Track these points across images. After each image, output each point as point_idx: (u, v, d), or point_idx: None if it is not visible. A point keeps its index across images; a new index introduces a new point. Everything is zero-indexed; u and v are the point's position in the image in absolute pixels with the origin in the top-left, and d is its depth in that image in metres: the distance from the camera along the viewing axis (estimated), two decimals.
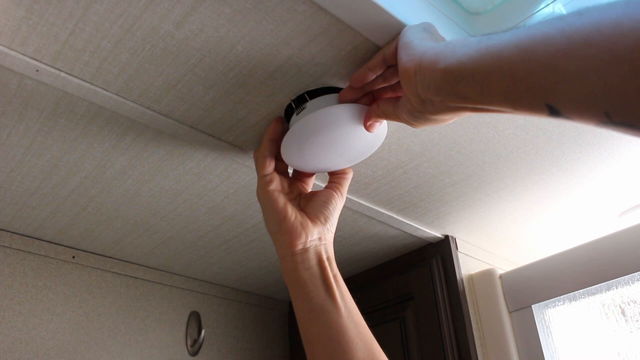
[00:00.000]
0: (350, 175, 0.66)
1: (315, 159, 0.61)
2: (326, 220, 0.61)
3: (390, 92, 0.57)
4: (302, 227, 0.59)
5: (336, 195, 0.64)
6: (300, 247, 0.58)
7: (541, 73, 0.35)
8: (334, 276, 0.58)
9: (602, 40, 0.31)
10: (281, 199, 0.61)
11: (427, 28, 0.49)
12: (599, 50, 0.31)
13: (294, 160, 0.62)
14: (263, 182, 0.62)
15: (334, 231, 0.63)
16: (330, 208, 0.62)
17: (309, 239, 0.59)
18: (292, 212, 0.60)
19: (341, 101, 0.57)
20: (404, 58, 0.48)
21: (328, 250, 0.60)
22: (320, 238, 0.60)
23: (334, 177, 0.66)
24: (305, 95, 0.59)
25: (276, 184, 0.62)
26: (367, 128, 0.57)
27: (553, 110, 0.36)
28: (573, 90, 0.33)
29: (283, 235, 0.59)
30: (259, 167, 0.62)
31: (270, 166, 0.62)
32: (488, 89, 0.39)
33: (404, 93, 0.49)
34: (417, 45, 0.47)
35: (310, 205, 0.63)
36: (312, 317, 0.56)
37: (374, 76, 0.54)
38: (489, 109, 0.42)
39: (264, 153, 0.62)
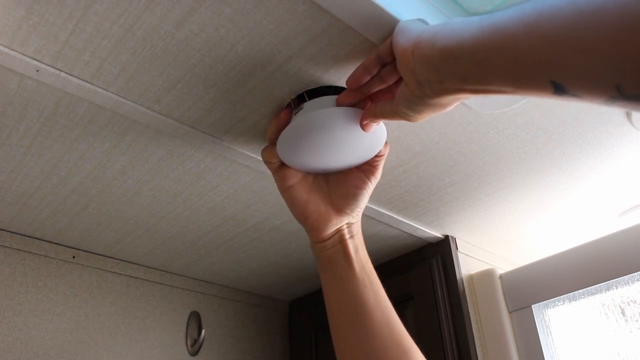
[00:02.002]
0: (385, 155, 0.63)
1: (311, 159, 0.61)
2: (352, 211, 0.62)
3: (388, 95, 0.56)
4: (325, 224, 0.61)
5: (368, 182, 0.62)
6: (325, 238, 0.61)
7: (547, 47, 0.34)
8: (356, 249, 0.61)
9: (614, 9, 0.30)
10: (300, 195, 0.62)
11: (422, 20, 0.50)
12: (611, 20, 0.30)
13: (290, 159, 0.61)
14: (278, 178, 0.62)
15: (361, 212, 0.64)
16: (359, 199, 0.62)
17: (334, 229, 0.61)
18: (313, 209, 0.61)
19: (338, 105, 0.57)
20: (401, 39, 0.47)
21: (352, 229, 0.63)
22: (346, 224, 0.62)
23: (371, 159, 0.62)
24: (305, 94, 0.59)
25: (293, 177, 0.62)
26: (363, 127, 0.56)
27: (558, 88, 0.35)
28: (582, 64, 0.32)
29: (308, 231, 0.62)
30: (266, 156, 0.61)
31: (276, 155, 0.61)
32: (490, 67, 0.39)
33: (403, 81, 0.49)
34: (413, 27, 0.47)
35: (340, 190, 0.62)
36: (333, 285, 0.61)
37: (370, 76, 0.53)
38: (490, 89, 0.41)
39: (269, 148, 0.61)
